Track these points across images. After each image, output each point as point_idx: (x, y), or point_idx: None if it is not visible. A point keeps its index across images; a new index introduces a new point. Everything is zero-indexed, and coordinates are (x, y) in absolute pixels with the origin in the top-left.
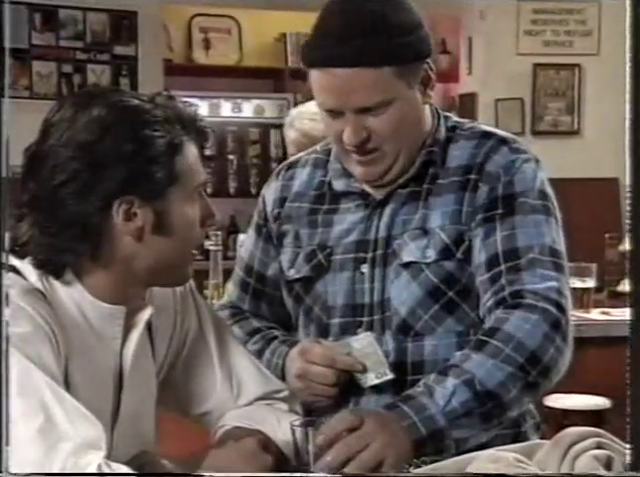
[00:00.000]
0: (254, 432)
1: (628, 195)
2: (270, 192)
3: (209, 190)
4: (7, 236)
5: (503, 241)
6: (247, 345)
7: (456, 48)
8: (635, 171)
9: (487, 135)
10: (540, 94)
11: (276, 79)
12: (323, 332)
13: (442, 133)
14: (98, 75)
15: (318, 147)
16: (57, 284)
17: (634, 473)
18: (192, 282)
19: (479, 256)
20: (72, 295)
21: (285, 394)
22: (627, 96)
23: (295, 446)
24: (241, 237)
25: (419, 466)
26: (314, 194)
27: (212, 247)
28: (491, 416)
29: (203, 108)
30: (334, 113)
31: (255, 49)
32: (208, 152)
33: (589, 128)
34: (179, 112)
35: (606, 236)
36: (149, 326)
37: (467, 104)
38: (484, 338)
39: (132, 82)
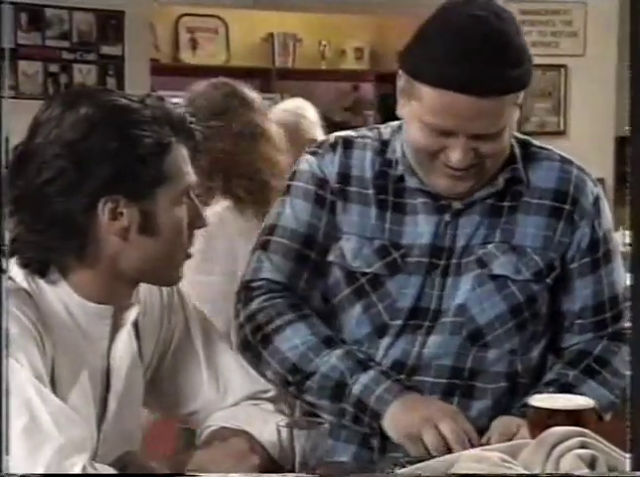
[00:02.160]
0: (240, 433)
1: (628, 195)
2: (329, 163)
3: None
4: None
5: (608, 288)
6: (322, 353)
7: None
8: (635, 170)
9: (567, 161)
10: (526, 95)
11: (263, 80)
12: (379, 331)
13: (517, 149)
14: (85, 74)
15: (368, 132)
16: (43, 284)
17: (633, 473)
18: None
19: (585, 301)
20: (58, 295)
21: (272, 394)
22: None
23: (281, 447)
24: None
25: (404, 466)
26: (376, 183)
27: None
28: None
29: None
30: (442, 133)
31: (243, 49)
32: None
33: (575, 129)
34: (168, 113)
35: None
36: (136, 325)
37: None
38: (596, 367)
39: (119, 82)
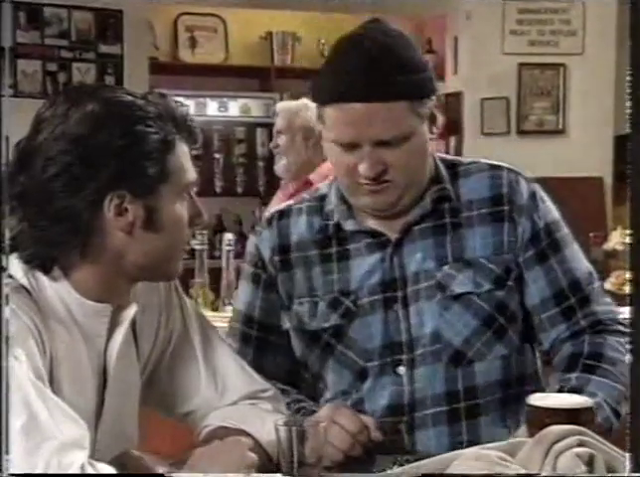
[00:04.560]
0: (239, 432)
1: (629, 194)
2: (265, 240)
3: (195, 188)
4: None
5: (565, 276)
6: None
7: (442, 48)
8: (635, 169)
9: (497, 167)
10: (525, 94)
11: (262, 78)
12: (360, 376)
13: (443, 170)
14: (83, 73)
15: (307, 195)
16: (43, 281)
17: (632, 474)
18: (177, 281)
19: (541, 292)
20: (58, 292)
21: (270, 393)
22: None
23: (279, 446)
24: (227, 236)
25: (402, 464)
26: (319, 238)
27: (197, 246)
28: (610, 430)
29: (189, 107)
30: (349, 147)
31: (241, 47)
32: (194, 151)
33: (574, 128)
34: (171, 111)
35: (591, 234)
36: (134, 324)
37: (453, 104)
38: (593, 362)
39: (118, 81)
